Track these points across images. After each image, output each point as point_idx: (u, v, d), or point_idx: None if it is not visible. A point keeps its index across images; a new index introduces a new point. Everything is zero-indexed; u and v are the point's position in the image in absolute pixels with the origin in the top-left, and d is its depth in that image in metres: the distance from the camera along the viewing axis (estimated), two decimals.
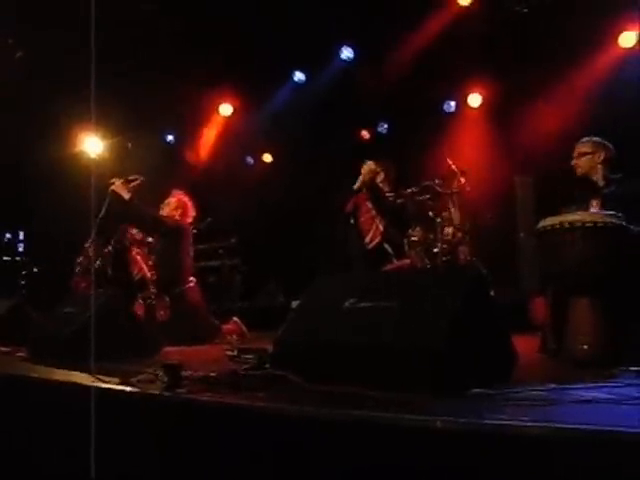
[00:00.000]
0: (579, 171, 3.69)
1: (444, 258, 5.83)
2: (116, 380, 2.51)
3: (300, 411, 1.83)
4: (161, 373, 2.23)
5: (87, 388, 2.41)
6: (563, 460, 1.45)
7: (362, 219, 4.84)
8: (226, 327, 5.29)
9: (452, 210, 5.74)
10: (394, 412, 1.76)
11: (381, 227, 4.77)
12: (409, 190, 5.05)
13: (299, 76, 7.41)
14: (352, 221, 4.87)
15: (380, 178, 4.94)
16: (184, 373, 2.48)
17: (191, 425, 1.97)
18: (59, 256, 7.30)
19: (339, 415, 1.79)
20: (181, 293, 5.23)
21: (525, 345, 3.63)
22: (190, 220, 5.54)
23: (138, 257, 6.20)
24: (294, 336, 2.43)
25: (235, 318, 5.48)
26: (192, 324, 4.97)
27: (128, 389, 2.27)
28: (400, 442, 1.71)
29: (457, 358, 2.01)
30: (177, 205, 5.49)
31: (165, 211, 5.47)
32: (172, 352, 4.26)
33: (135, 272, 6.12)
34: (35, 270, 9.28)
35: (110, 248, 6.15)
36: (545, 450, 1.50)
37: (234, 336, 5.19)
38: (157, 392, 2.11)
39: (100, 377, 2.62)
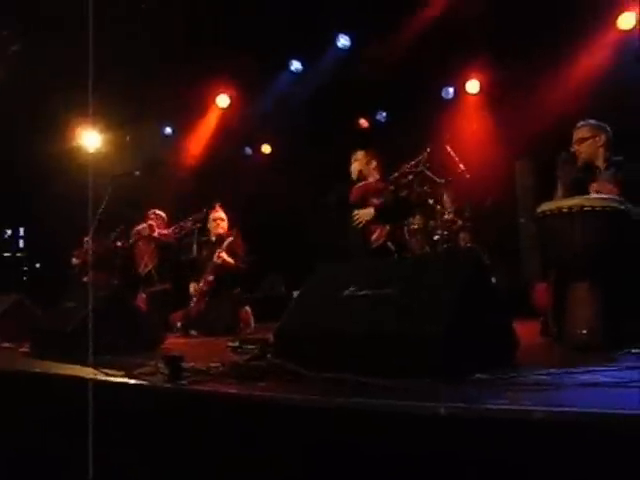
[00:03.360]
0: (582, 157, 3.63)
1: (444, 245, 5.84)
2: (118, 373, 2.52)
3: (301, 400, 1.83)
4: (162, 365, 2.23)
5: (89, 381, 2.41)
6: (567, 444, 1.45)
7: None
8: (241, 315, 5.44)
9: (445, 198, 5.77)
10: (395, 399, 1.75)
11: (387, 228, 4.78)
12: (403, 179, 5.03)
13: (296, 65, 7.36)
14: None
15: (372, 165, 4.94)
16: (185, 365, 2.49)
17: (192, 416, 1.97)
18: (60, 251, 7.29)
19: (340, 403, 1.79)
20: None
21: (527, 330, 3.63)
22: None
23: (145, 252, 6.23)
24: (294, 325, 2.43)
25: (247, 308, 5.53)
26: None
27: (131, 382, 2.27)
28: (401, 429, 1.71)
29: (457, 344, 2.01)
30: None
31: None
32: (174, 344, 4.28)
33: (142, 267, 6.14)
34: (37, 266, 9.31)
35: (119, 243, 6.18)
36: (548, 434, 1.49)
37: (243, 325, 5.30)
38: (159, 384, 2.11)
39: (102, 370, 2.63)
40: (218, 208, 5.83)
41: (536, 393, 1.76)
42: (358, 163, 4.95)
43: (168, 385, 2.07)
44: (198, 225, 5.86)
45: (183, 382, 2.08)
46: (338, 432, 1.78)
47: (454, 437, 1.63)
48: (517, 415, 1.49)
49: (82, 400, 2.58)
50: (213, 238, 5.71)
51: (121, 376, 2.41)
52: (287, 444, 1.81)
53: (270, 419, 1.85)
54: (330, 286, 2.45)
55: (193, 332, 5.26)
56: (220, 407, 1.91)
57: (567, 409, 1.47)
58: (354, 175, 4.97)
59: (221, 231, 5.70)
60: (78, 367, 2.79)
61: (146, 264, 6.15)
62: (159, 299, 5.91)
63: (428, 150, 5.42)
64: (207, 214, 5.83)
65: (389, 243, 4.71)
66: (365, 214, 4.75)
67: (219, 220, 5.72)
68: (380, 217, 4.73)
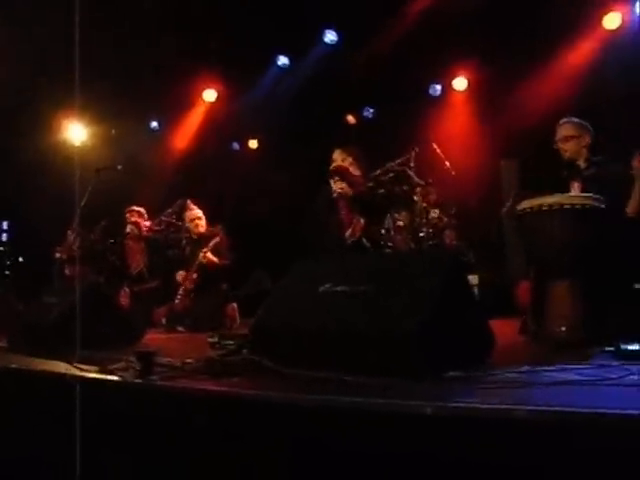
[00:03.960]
0: (566, 155, 3.63)
1: (430, 242, 5.84)
2: (93, 368, 2.49)
3: (272, 397, 1.82)
4: (134, 361, 2.20)
5: (63, 377, 2.39)
6: (533, 441, 1.45)
7: (344, 211, 4.76)
8: (227, 311, 5.44)
9: (431, 196, 5.76)
10: (366, 397, 1.74)
11: (362, 222, 4.69)
12: (383, 177, 4.99)
13: (283, 60, 7.32)
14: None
15: (347, 162, 4.86)
16: (162, 360, 2.47)
17: (163, 412, 1.95)
18: (44, 245, 7.22)
19: (312, 401, 1.78)
20: None
21: (508, 328, 3.64)
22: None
23: (136, 252, 6.20)
24: (270, 321, 2.41)
25: (234, 304, 5.51)
26: None
27: (103, 377, 2.24)
28: (371, 427, 1.70)
29: (431, 342, 2.00)
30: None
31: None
32: (156, 339, 4.26)
33: (133, 266, 6.12)
34: (20, 260, 9.21)
35: (112, 240, 6.16)
36: (515, 432, 1.49)
37: (228, 321, 5.29)
38: (129, 380, 2.09)
39: (76, 365, 2.60)
40: (192, 206, 5.80)
41: (506, 391, 1.76)
42: (335, 164, 4.89)
43: (139, 381, 2.05)
44: (174, 218, 5.85)
45: (154, 378, 2.06)
46: (310, 429, 1.77)
47: (424, 435, 1.63)
48: (484, 414, 1.48)
49: (56, 396, 2.56)
50: (195, 236, 5.68)
51: (95, 372, 2.39)
52: (256, 441, 1.79)
53: (240, 415, 1.84)
54: (307, 282, 2.44)
55: (180, 328, 5.25)
56: (190, 403, 1.89)
57: (535, 407, 1.46)
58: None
59: (202, 230, 5.68)
60: (53, 362, 2.76)
61: (137, 264, 6.14)
62: (147, 296, 5.89)
63: (416, 150, 5.39)
64: (182, 210, 5.83)
65: (364, 240, 4.65)
66: (345, 188, 4.67)
67: (196, 220, 5.70)
68: (354, 205, 4.64)
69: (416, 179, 5.62)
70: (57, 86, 5.94)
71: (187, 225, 5.77)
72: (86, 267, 6.15)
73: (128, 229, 6.16)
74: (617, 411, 1.41)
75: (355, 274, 2.34)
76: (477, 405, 1.57)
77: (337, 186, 4.66)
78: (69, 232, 6.31)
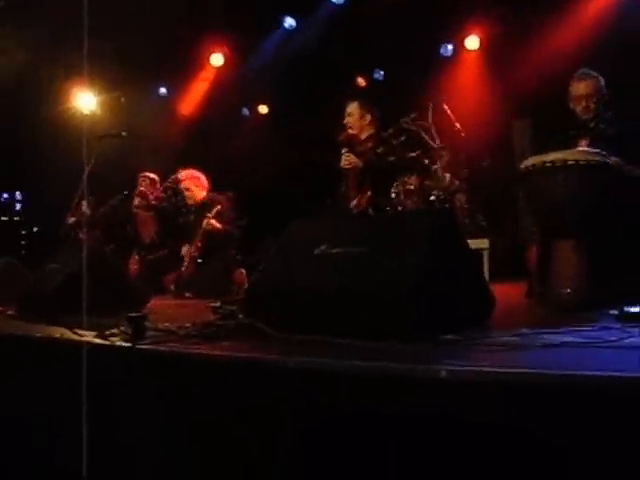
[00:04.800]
0: (582, 115, 3.47)
1: (440, 206, 5.74)
2: (91, 334, 2.49)
3: (262, 360, 1.79)
4: (125, 325, 2.19)
5: (58, 342, 2.39)
6: (519, 405, 1.40)
7: (350, 183, 4.57)
8: (235, 277, 5.38)
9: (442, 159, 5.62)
10: (359, 360, 1.71)
11: (369, 194, 4.52)
12: (395, 140, 4.82)
13: (289, 22, 7.15)
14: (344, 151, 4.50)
15: (367, 120, 4.66)
16: (158, 325, 2.46)
17: (152, 376, 1.94)
18: (57, 214, 7.26)
19: (301, 363, 1.75)
20: None
21: (515, 292, 3.59)
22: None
23: (146, 221, 6.21)
24: (265, 284, 2.38)
25: (242, 270, 5.50)
26: None
27: (96, 342, 2.23)
28: (362, 390, 1.66)
29: (426, 303, 1.95)
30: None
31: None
32: (161, 305, 4.26)
33: (145, 236, 6.14)
34: (34, 229, 9.29)
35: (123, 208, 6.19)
36: (508, 396, 1.44)
37: (236, 287, 5.29)
38: (118, 344, 2.07)
39: (77, 331, 2.60)
40: (180, 177, 5.74)
41: (500, 354, 1.71)
42: (352, 118, 4.67)
43: (128, 345, 2.04)
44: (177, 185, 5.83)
45: (144, 342, 2.04)
46: (297, 392, 1.74)
47: (416, 398, 1.59)
48: (476, 376, 1.43)
49: (56, 361, 2.58)
50: (194, 204, 5.65)
51: (91, 337, 2.38)
52: (248, 405, 1.77)
53: (230, 379, 1.82)
54: (302, 244, 2.39)
55: (187, 294, 5.26)
56: (178, 367, 1.87)
57: (519, 370, 1.41)
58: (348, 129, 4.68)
59: (197, 198, 5.63)
60: (52, 328, 2.76)
61: (149, 232, 6.16)
62: (158, 264, 5.91)
63: (432, 105, 5.21)
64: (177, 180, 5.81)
65: (370, 210, 4.50)
66: (355, 160, 4.47)
67: (186, 191, 5.65)
68: (363, 177, 4.48)
69: (430, 142, 5.48)
70: (66, 55, 5.89)
71: (185, 195, 5.73)
72: (97, 233, 6.20)
73: (136, 201, 6.15)
74: (614, 373, 1.35)
75: (350, 236, 2.29)
76: (468, 367, 1.53)
77: (346, 160, 4.45)
78: (82, 201, 6.32)
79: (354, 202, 4.43)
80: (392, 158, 4.67)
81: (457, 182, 6.04)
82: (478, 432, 1.43)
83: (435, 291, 2.01)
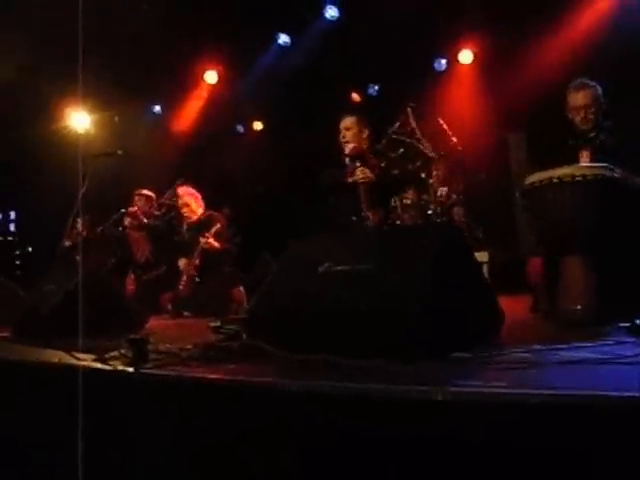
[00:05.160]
0: (580, 125, 3.45)
1: (438, 220, 5.72)
2: (90, 357, 2.42)
3: (271, 384, 1.73)
4: (125, 348, 2.12)
5: (56, 366, 2.32)
6: (543, 426, 1.35)
7: (363, 199, 4.40)
8: (233, 295, 5.34)
9: (438, 172, 5.60)
10: (368, 383, 1.65)
11: (381, 210, 4.36)
12: (393, 152, 4.78)
13: (284, 39, 7.16)
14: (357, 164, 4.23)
15: (365, 135, 4.53)
16: (159, 347, 2.39)
17: (155, 401, 1.87)
18: (52, 234, 7.19)
19: (310, 386, 1.69)
20: None
21: (519, 306, 3.54)
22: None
23: (139, 240, 6.15)
24: (268, 304, 2.32)
25: (241, 288, 5.44)
26: None
27: (96, 366, 2.17)
28: (373, 412, 1.61)
29: (434, 322, 1.90)
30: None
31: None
32: (159, 325, 4.20)
33: (139, 255, 6.07)
34: (29, 249, 9.20)
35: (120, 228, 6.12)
36: (527, 417, 1.39)
37: (235, 305, 5.22)
38: (120, 368, 2.01)
39: (75, 355, 2.53)
40: (180, 192, 5.70)
41: (515, 372, 1.65)
42: (350, 132, 4.53)
43: (130, 369, 1.97)
44: (174, 201, 5.78)
45: (146, 365, 1.98)
46: (307, 416, 1.68)
47: (426, 420, 1.54)
48: (489, 398, 1.38)
49: (53, 386, 2.50)
50: (191, 221, 5.60)
51: (90, 360, 2.31)
52: (251, 428, 1.71)
53: (237, 404, 1.75)
54: (305, 262, 2.33)
55: (186, 313, 5.19)
56: (183, 391, 1.81)
57: (543, 391, 1.36)
58: (347, 146, 4.55)
59: (193, 216, 5.58)
60: (49, 352, 2.69)
61: (143, 251, 6.08)
62: (154, 283, 5.85)
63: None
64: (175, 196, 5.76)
65: (385, 227, 4.36)
66: (368, 173, 4.20)
67: (184, 207, 5.59)
68: (375, 192, 4.36)
69: (429, 153, 5.44)
70: (60, 73, 5.86)
71: (182, 212, 5.68)
72: (94, 255, 6.13)
73: (126, 222, 6.08)
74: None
75: (355, 252, 2.24)
76: (482, 389, 1.47)
77: (362, 173, 4.18)
78: (78, 220, 6.27)
79: (369, 220, 4.26)
80: (396, 172, 4.57)
81: (454, 196, 6.03)
82: (498, 455, 1.37)
83: (445, 308, 1.95)
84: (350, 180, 4.22)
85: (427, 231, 2.40)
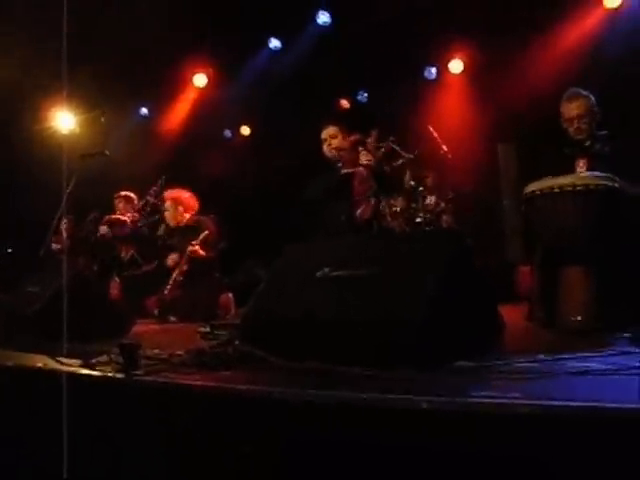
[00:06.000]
0: (575, 135, 3.42)
1: (427, 228, 5.70)
2: (76, 362, 2.34)
3: (265, 392, 1.66)
4: (115, 354, 2.04)
5: (42, 371, 2.23)
6: (558, 439, 1.30)
7: (358, 187, 4.39)
8: (221, 301, 5.28)
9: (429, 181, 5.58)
10: (367, 391, 1.59)
11: (372, 202, 4.37)
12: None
13: (275, 43, 7.11)
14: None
15: (352, 138, 4.50)
16: (149, 353, 2.32)
17: (146, 408, 1.79)
18: (32, 236, 7.05)
19: (306, 395, 1.63)
20: None
21: (511, 314, 3.50)
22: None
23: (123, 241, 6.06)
24: (262, 310, 2.25)
25: (229, 293, 5.36)
26: None
27: (84, 372, 2.08)
28: (374, 423, 1.55)
29: (436, 329, 1.85)
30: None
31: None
32: (145, 330, 4.10)
33: (124, 252, 5.96)
34: (9, 251, 9.02)
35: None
36: (539, 429, 1.34)
37: (222, 311, 5.14)
38: (110, 374, 1.92)
39: (60, 360, 2.45)
40: (166, 197, 5.61)
41: (524, 382, 1.61)
42: (337, 140, 4.50)
43: (121, 376, 1.89)
44: (159, 200, 5.69)
45: (138, 372, 1.90)
46: (303, 424, 1.62)
47: (435, 431, 1.48)
48: (505, 409, 1.33)
49: (37, 392, 2.41)
50: (178, 223, 5.52)
51: (77, 366, 2.22)
52: (244, 437, 1.64)
53: (231, 411, 1.69)
54: (301, 267, 2.27)
55: (172, 318, 5.10)
56: (176, 399, 1.74)
57: (558, 403, 1.31)
58: (332, 154, 4.53)
59: (181, 219, 5.50)
60: (33, 356, 2.60)
61: (127, 250, 5.97)
62: (140, 283, 5.73)
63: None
64: (161, 192, 5.67)
65: (374, 222, 4.36)
66: (372, 158, 4.33)
67: (174, 209, 5.52)
68: (372, 179, 4.29)
69: (404, 154, 5.42)
70: (45, 74, 5.77)
71: (166, 215, 5.60)
72: (80, 257, 6.02)
73: (102, 230, 5.94)
74: None
75: (354, 257, 2.18)
76: (490, 400, 1.42)
77: (365, 157, 4.26)
78: (64, 221, 6.15)
79: (359, 211, 4.27)
80: (387, 168, 4.61)
81: (442, 204, 6.02)
82: (512, 468, 1.32)
83: (449, 316, 1.90)
84: (345, 171, 4.30)
85: (433, 239, 2.35)
